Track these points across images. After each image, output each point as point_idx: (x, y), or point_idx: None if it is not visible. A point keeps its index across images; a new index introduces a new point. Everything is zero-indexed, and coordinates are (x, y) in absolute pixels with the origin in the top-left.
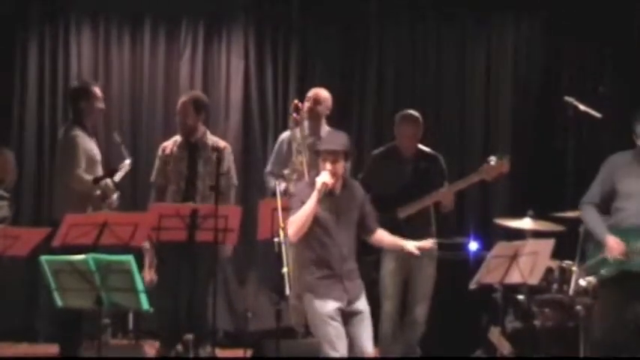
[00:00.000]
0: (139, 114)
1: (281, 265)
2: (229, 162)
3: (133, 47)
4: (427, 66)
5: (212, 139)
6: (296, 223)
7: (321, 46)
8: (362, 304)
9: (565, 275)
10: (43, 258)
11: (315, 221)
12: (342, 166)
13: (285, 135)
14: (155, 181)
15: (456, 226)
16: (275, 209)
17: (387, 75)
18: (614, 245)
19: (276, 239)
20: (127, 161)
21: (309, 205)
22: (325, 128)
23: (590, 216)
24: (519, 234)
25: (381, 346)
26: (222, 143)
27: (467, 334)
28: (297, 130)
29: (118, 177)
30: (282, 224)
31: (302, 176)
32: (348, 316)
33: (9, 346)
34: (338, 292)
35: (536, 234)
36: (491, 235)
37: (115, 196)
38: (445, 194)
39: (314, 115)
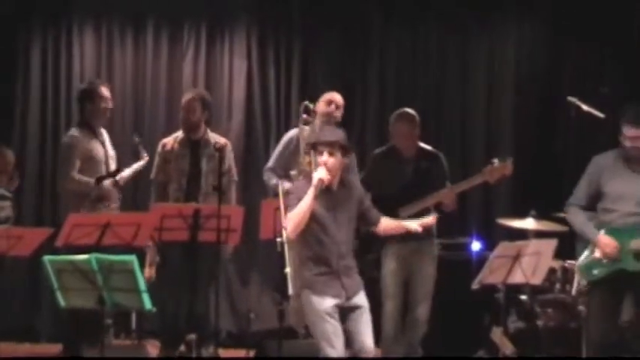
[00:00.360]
0: (142, 115)
1: (284, 265)
2: (230, 159)
3: (136, 48)
4: (429, 66)
5: (213, 136)
6: (293, 219)
7: (323, 47)
8: (361, 300)
9: (567, 275)
10: (46, 258)
11: (313, 218)
12: (338, 160)
13: (293, 133)
14: (155, 178)
15: (459, 226)
16: (277, 209)
17: (389, 75)
18: (606, 242)
19: (278, 239)
20: (141, 162)
21: (306, 202)
22: None
23: (577, 218)
24: (522, 234)
25: (383, 346)
26: (222, 140)
27: (469, 334)
28: (307, 130)
29: (126, 173)
30: (284, 224)
31: (309, 176)
32: (347, 312)
33: (11, 345)
34: (336, 288)
35: (539, 234)
36: (493, 235)
37: (115, 201)
38: (446, 194)
39: (331, 119)
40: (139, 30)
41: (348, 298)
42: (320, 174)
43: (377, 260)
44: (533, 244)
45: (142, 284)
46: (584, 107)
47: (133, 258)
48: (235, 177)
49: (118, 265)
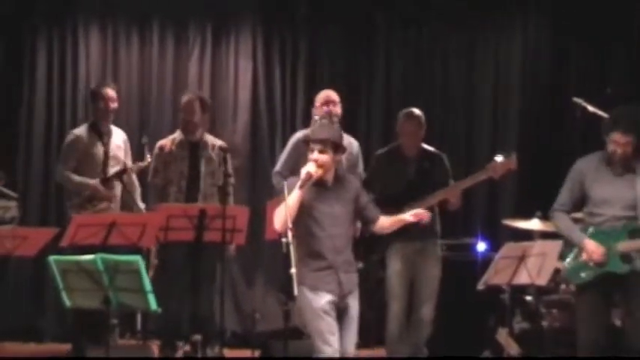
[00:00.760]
0: (148, 115)
1: (289, 266)
2: (229, 162)
3: (142, 48)
4: (433, 66)
5: (211, 138)
6: (281, 213)
7: (329, 47)
8: (353, 302)
9: None
10: (52, 258)
11: (307, 214)
12: (330, 157)
13: (299, 134)
14: (152, 181)
15: (464, 226)
16: None
17: (394, 75)
18: (593, 249)
19: (283, 240)
20: (141, 164)
21: (293, 195)
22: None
23: (563, 223)
24: (527, 235)
25: (388, 346)
26: (219, 142)
27: (474, 335)
28: None
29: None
30: (290, 224)
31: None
32: (339, 312)
33: (16, 345)
34: (332, 284)
35: (544, 235)
36: (499, 236)
37: (109, 202)
38: (451, 191)
39: (332, 118)
40: (145, 30)
41: (343, 297)
42: (308, 168)
43: (381, 261)
44: (538, 245)
45: (148, 285)
46: (590, 108)
47: (138, 258)
48: (233, 180)
49: (123, 265)
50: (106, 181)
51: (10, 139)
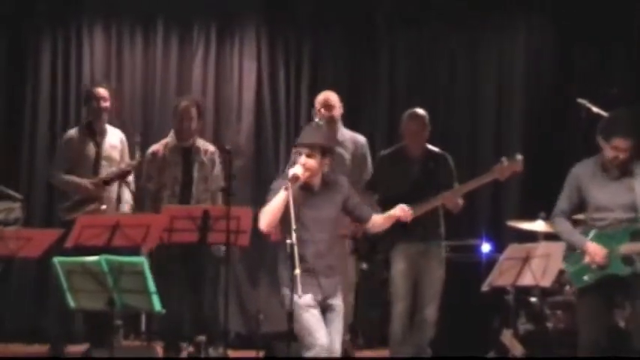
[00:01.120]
0: (151, 115)
1: (293, 267)
2: (218, 166)
3: (146, 49)
4: (437, 67)
5: (203, 143)
6: (266, 213)
7: (332, 48)
8: (337, 301)
9: None
10: (56, 259)
11: (295, 218)
12: (317, 161)
13: None
14: (146, 186)
15: (468, 228)
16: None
17: (398, 76)
18: (595, 251)
19: (288, 241)
20: (133, 162)
21: (279, 197)
22: (343, 130)
23: (563, 227)
24: (531, 236)
25: (391, 347)
26: (211, 147)
27: (479, 336)
28: None
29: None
30: (294, 225)
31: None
32: (323, 310)
33: (20, 346)
34: (313, 287)
35: (549, 236)
36: (503, 238)
37: (101, 203)
38: (448, 197)
39: (331, 120)
40: (149, 31)
41: (325, 299)
42: (295, 170)
43: (386, 261)
44: (542, 246)
45: (152, 286)
46: (594, 109)
47: (142, 259)
48: (222, 182)
49: (127, 266)
50: (107, 182)
51: (14, 140)
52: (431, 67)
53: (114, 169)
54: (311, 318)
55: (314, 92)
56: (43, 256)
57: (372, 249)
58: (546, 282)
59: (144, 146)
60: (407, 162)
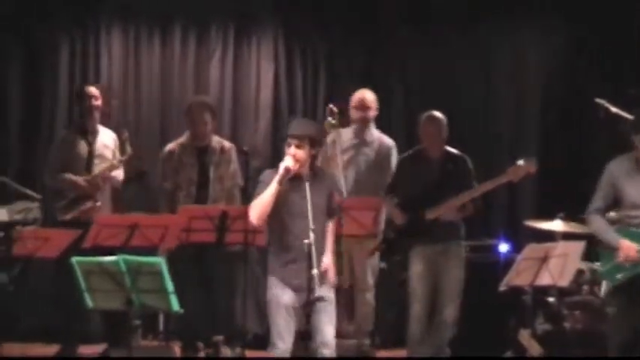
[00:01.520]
0: (169, 116)
1: (310, 267)
2: (235, 163)
3: (163, 50)
4: (453, 68)
5: (218, 141)
6: (257, 206)
7: (349, 49)
8: (324, 291)
9: (595, 277)
10: (74, 259)
11: (283, 207)
12: (306, 151)
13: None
14: (163, 185)
15: (486, 228)
16: None
17: (414, 78)
18: (628, 248)
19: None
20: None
21: (270, 189)
22: (373, 130)
23: (598, 225)
24: (549, 236)
25: (409, 347)
26: (227, 143)
27: (496, 335)
28: (333, 134)
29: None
30: (312, 225)
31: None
32: (310, 301)
33: (40, 346)
34: (298, 280)
35: (567, 236)
36: (521, 237)
37: (97, 202)
38: (473, 193)
39: (364, 120)
40: (167, 31)
41: (311, 290)
42: (286, 162)
43: (403, 262)
44: (560, 246)
45: (170, 285)
46: (613, 109)
47: (160, 260)
48: (240, 181)
49: (145, 266)
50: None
51: (32, 141)
52: (446, 69)
53: (104, 164)
54: (283, 322)
55: (331, 92)
56: (61, 256)
57: (390, 250)
58: (564, 282)
59: (160, 146)
60: (426, 164)
